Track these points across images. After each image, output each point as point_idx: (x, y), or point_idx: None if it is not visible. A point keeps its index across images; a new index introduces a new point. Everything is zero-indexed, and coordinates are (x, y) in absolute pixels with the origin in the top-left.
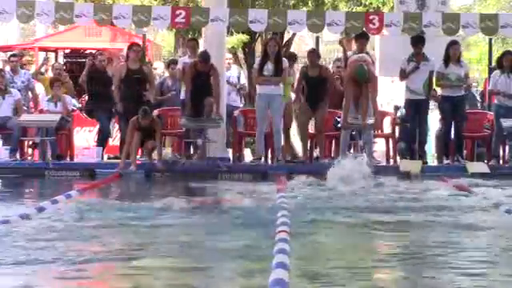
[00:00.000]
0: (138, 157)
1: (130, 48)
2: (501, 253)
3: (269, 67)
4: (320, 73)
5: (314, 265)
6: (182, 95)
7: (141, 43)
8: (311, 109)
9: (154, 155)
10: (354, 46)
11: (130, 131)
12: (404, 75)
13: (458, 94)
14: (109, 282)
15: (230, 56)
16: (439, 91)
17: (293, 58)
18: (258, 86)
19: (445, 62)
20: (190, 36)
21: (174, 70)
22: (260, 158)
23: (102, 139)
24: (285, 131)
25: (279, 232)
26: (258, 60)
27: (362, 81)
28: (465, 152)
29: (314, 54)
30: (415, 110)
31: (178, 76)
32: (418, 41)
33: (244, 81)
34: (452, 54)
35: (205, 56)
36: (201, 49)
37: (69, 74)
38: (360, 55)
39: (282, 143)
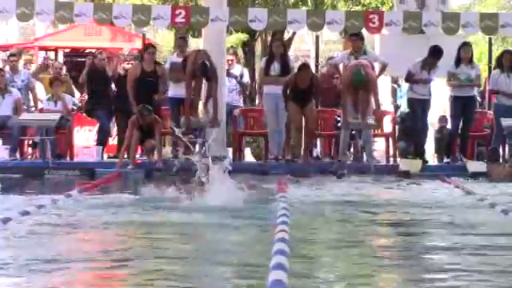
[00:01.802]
0: (138, 156)
1: (145, 49)
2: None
3: (275, 67)
4: (310, 83)
5: (312, 266)
6: (170, 93)
7: (140, 42)
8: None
9: (155, 155)
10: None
11: (129, 130)
12: (411, 79)
13: (467, 94)
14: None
15: (232, 58)
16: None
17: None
18: (265, 87)
19: (456, 62)
20: (189, 35)
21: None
22: (275, 158)
23: (102, 138)
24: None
25: (278, 232)
26: (264, 60)
27: (360, 84)
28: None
29: (306, 70)
30: (419, 108)
31: (166, 75)
32: (436, 52)
33: (247, 79)
34: (463, 56)
35: (203, 70)
36: (201, 47)
37: (68, 74)
38: (357, 61)
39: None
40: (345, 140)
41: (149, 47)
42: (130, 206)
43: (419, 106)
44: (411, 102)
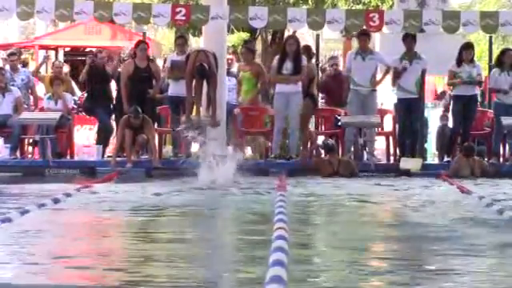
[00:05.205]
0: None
1: (137, 46)
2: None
3: (288, 66)
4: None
5: (311, 263)
6: (171, 92)
7: None
8: None
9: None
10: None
11: (120, 129)
12: (397, 75)
13: (469, 92)
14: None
15: (231, 57)
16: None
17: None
18: (276, 85)
19: (457, 62)
20: (190, 34)
21: None
22: (277, 157)
23: (104, 137)
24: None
25: (277, 229)
26: (276, 58)
27: None
28: None
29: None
30: (407, 108)
31: (166, 73)
32: (403, 38)
33: None
34: (465, 58)
35: (201, 72)
36: (201, 46)
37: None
38: None
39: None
40: (350, 138)
41: (140, 44)
42: None
43: (404, 107)
44: (397, 102)
